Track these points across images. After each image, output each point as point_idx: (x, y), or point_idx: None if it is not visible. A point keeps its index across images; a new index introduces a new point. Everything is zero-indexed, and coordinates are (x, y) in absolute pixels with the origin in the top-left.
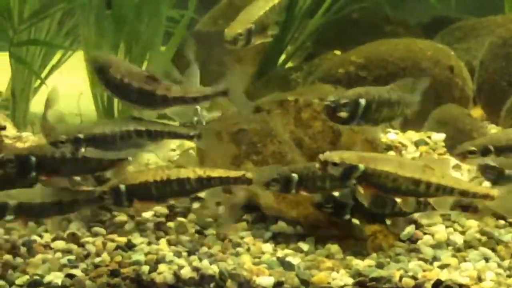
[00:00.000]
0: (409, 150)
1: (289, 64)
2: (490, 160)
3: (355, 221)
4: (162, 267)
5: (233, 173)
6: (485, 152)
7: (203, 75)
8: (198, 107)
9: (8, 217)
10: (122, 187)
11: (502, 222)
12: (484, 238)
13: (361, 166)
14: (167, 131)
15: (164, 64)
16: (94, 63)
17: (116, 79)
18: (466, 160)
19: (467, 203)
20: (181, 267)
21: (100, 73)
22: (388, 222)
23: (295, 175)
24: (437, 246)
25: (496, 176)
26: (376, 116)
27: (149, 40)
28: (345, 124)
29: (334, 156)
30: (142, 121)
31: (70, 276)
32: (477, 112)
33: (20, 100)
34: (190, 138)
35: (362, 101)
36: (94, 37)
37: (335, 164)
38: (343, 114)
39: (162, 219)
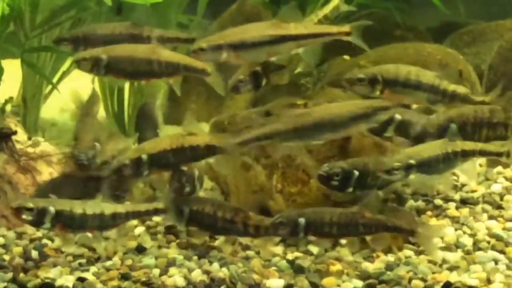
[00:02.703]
0: None
1: (298, 70)
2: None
3: None
4: (172, 270)
5: None
6: (373, 81)
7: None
8: None
9: None
10: None
11: (510, 224)
12: (493, 241)
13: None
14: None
15: None
16: None
17: None
18: (354, 87)
19: None
20: (191, 270)
21: None
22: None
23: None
24: (446, 248)
25: None
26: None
27: None
28: None
29: None
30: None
31: (82, 279)
32: None
33: (31, 106)
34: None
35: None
36: None
37: None
38: None
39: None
